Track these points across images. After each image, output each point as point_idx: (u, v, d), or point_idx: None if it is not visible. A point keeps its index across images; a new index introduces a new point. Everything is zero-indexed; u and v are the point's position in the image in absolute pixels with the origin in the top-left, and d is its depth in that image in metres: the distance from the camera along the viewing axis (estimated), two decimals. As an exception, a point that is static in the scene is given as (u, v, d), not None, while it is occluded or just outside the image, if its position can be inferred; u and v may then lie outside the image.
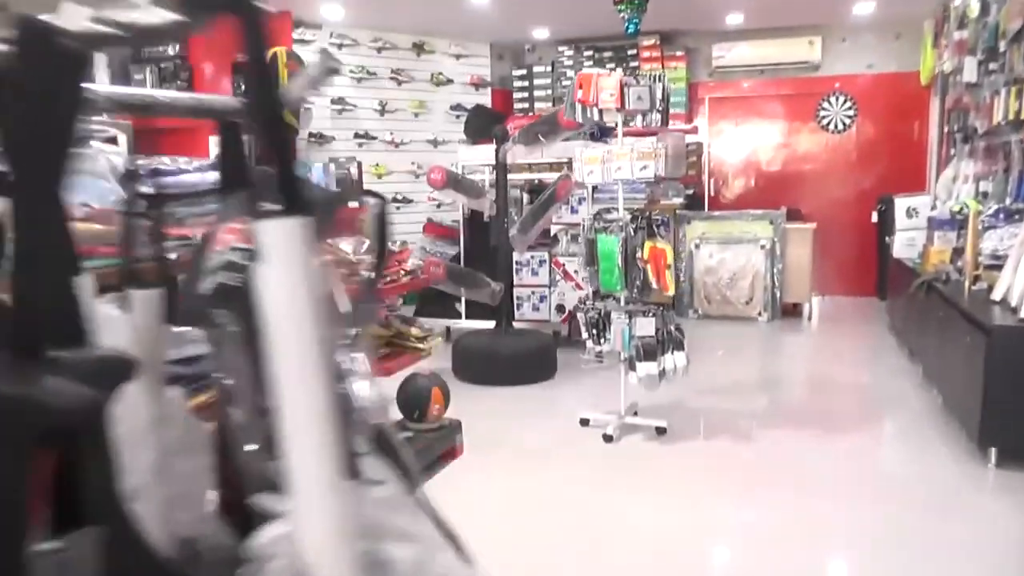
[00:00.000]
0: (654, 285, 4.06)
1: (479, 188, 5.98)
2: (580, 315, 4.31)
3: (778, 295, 7.58)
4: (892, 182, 8.57)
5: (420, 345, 4.38)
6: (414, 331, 4.33)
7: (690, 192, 9.00)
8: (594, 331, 4.26)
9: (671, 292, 4.15)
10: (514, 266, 6.35)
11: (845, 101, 8.95)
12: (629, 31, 6.63)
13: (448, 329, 6.95)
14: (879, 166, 8.93)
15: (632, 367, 4.23)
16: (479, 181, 6.57)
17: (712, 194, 9.54)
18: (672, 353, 4.14)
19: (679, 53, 9.16)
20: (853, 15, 8.32)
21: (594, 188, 6.19)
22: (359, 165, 4.28)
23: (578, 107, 4.32)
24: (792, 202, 9.00)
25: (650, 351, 4.07)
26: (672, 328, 4.19)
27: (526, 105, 9.72)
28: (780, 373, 6.27)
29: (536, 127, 5.05)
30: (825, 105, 9.03)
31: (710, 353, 6.57)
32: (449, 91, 9.22)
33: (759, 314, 7.57)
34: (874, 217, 8.73)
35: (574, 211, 6.24)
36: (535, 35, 9.28)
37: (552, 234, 6.35)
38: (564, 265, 6.31)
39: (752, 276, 7.57)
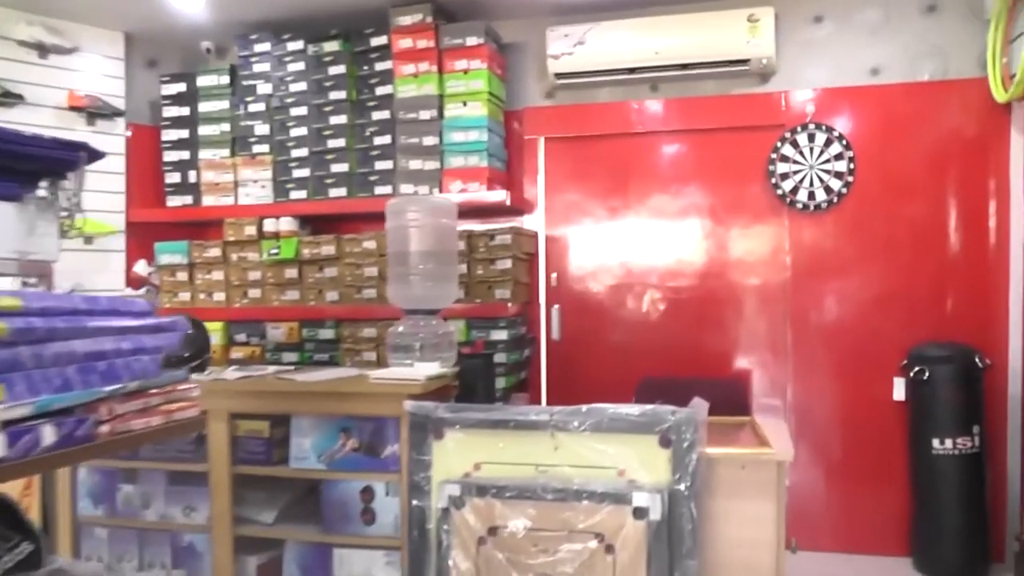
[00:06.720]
0: None
1: None
2: None
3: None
4: (935, 317, 4.15)
5: None
6: None
7: (505, 336, 4.11)
8: None
9: None
10: None
11: (828, 143, 4.25)
12: None
13: None
14: (906, 282, 4.16)
15: None
16: None
17: (556, 336, 4.60)
18: None
19: (475, 42, 4.34)
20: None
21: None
22: None
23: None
24: (717, 367, 4.21)
25: None
26: None
27: (186, 154, 4.80)
28: None
29: None
30: (787, 151, 4.30)
31: None
32: (20, 119, 4.21)
33: None
34: (898, 391, 4.13)
35: None
36: (192, 13, 4.36)
37: None
38: None
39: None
